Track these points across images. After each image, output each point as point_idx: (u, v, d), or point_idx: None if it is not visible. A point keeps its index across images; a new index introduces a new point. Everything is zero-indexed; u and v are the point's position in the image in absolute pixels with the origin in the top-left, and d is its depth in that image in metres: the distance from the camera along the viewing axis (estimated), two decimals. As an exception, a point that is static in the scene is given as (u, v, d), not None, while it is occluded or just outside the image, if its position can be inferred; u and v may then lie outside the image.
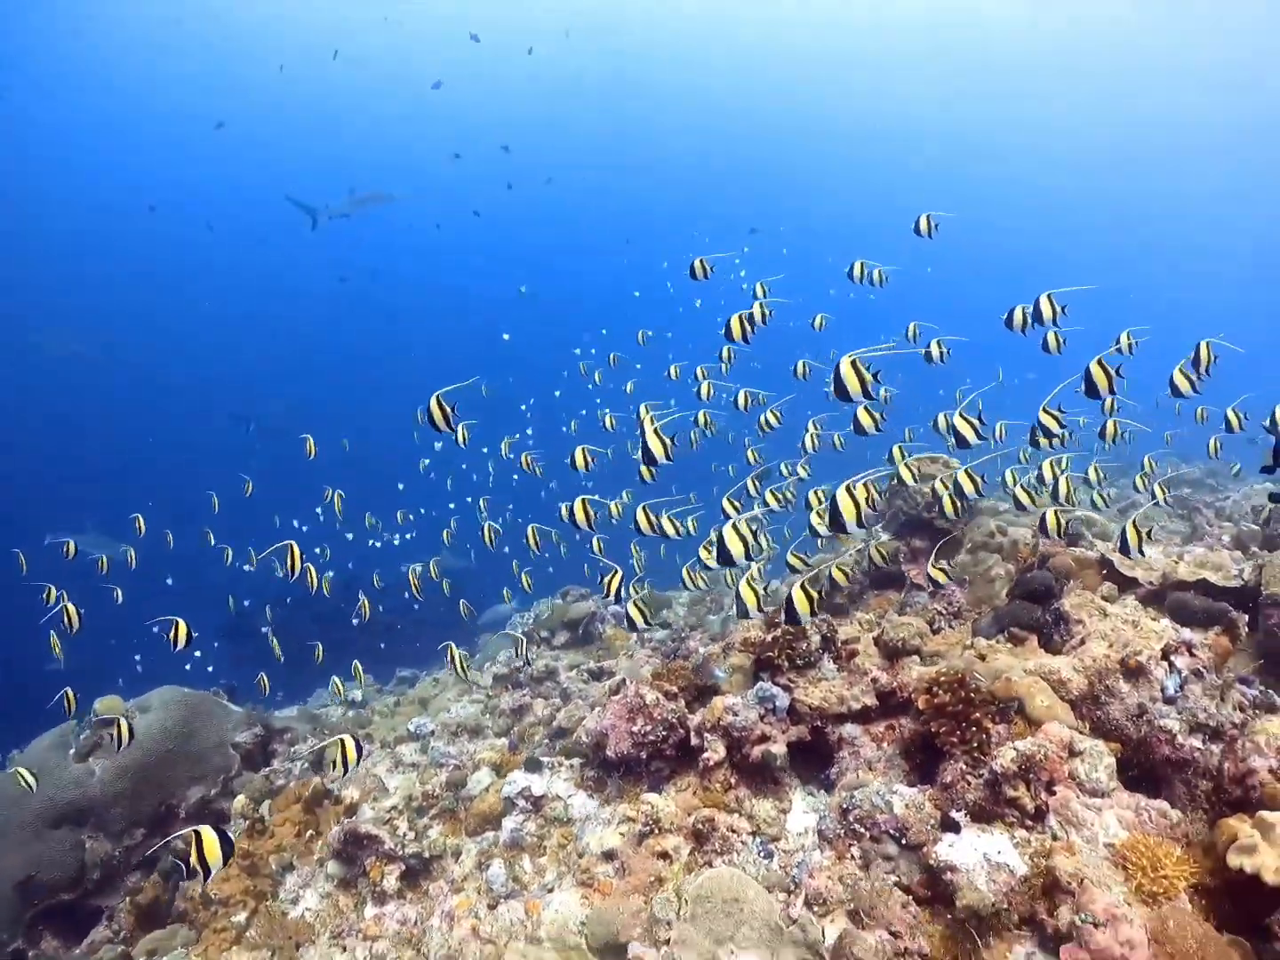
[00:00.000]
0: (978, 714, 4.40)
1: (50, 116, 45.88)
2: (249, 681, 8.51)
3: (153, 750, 6.83)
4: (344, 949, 4.89)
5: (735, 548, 4.32)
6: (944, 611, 6.31)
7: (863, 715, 5.03)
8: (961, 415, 5.15)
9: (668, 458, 4.69)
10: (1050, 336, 5.72)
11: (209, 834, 3.44)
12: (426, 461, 13.13)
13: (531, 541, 6.61)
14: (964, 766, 4.28)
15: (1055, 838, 3.86)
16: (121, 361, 49.32)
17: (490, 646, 9.94)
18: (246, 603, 15.72)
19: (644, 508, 5.16)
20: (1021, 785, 4.01)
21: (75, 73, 43.54)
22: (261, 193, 44.88)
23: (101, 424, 50.97)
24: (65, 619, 4.92)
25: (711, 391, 7.07)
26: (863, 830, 4.27)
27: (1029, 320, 5.63)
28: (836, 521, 4.50)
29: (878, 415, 4.80)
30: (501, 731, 7.00)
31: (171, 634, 5.01)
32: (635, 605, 5.08)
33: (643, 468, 5.89)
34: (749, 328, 6.03)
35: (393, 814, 5.47)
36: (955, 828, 4.04)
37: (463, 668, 5.95)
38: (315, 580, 7.23)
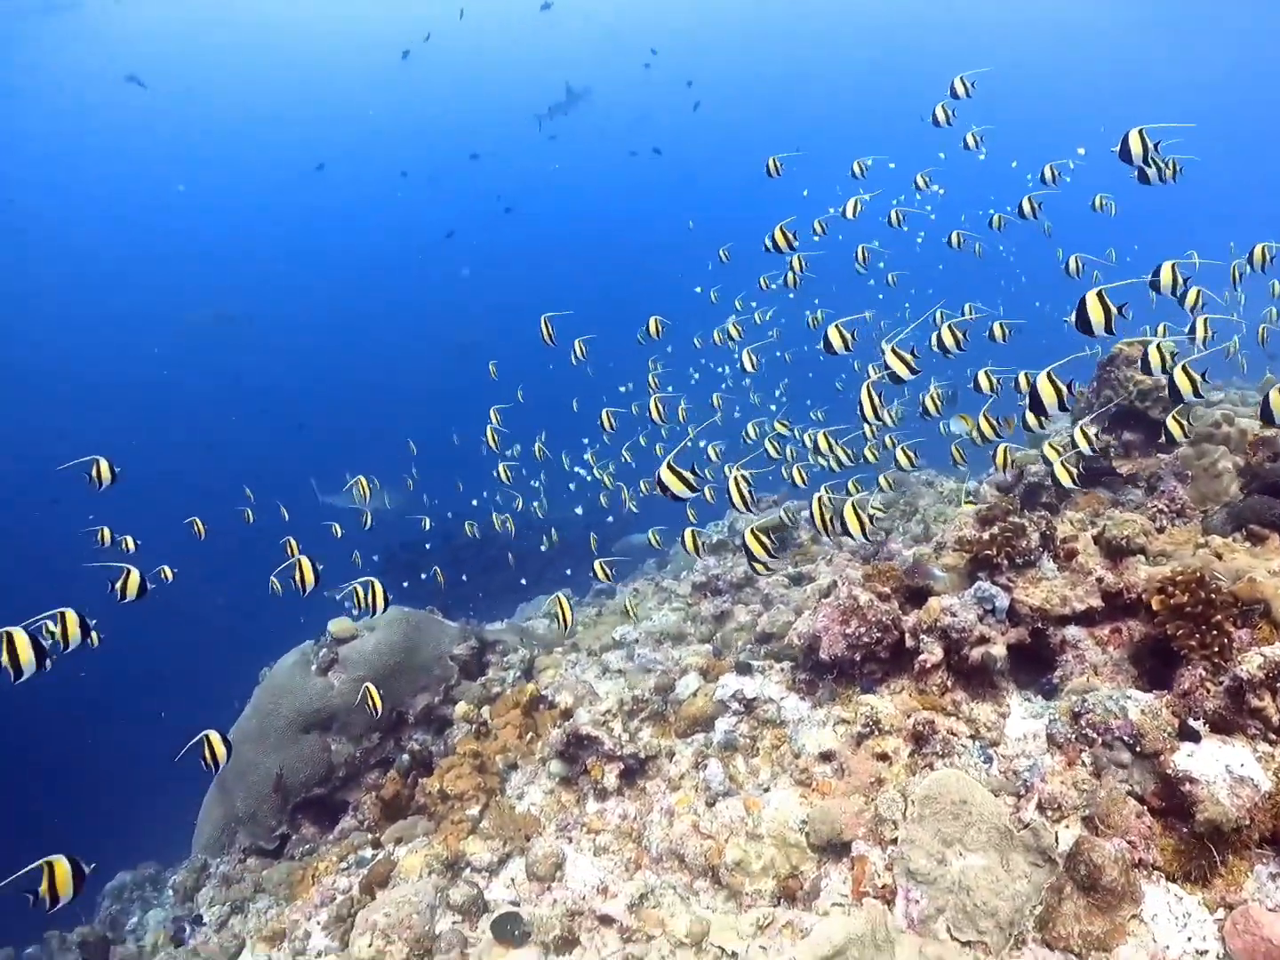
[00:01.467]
0: (1219, 616, 4.12)
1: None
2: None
3: (383, 663, 7.40)
4: (570, 840, 5.18)
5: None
6: (1166, 509, 5.90)
7: (1086, 617, 4.81)
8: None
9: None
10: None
11: (61, 864, 3.46)
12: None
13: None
14: (1203, 673, 4.03)
15: (1304, 752, 3.60)
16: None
17: (680, 558, 10.11)
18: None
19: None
20: (1267, 695, 3.74)
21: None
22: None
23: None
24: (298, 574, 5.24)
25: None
26: (1095, 736, 4.11)
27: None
28: (1036, 405, 4.28)
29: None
30: (704, 638, 7.14)
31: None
32: (753, 535, 4.68)
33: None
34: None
35: (607, 717, 5.68)
36: (1194, 737, 3.81)
37: (565, 614, 6.09)
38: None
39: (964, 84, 6.96)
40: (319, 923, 5.57)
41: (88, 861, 3.57)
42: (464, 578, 14.36)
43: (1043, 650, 4.84)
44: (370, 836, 6.28)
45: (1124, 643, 4.70)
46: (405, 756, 6.81)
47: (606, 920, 4.52)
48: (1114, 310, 4.22)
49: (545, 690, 6.50)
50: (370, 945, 4.86)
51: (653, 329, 7.61)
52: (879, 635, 4.95)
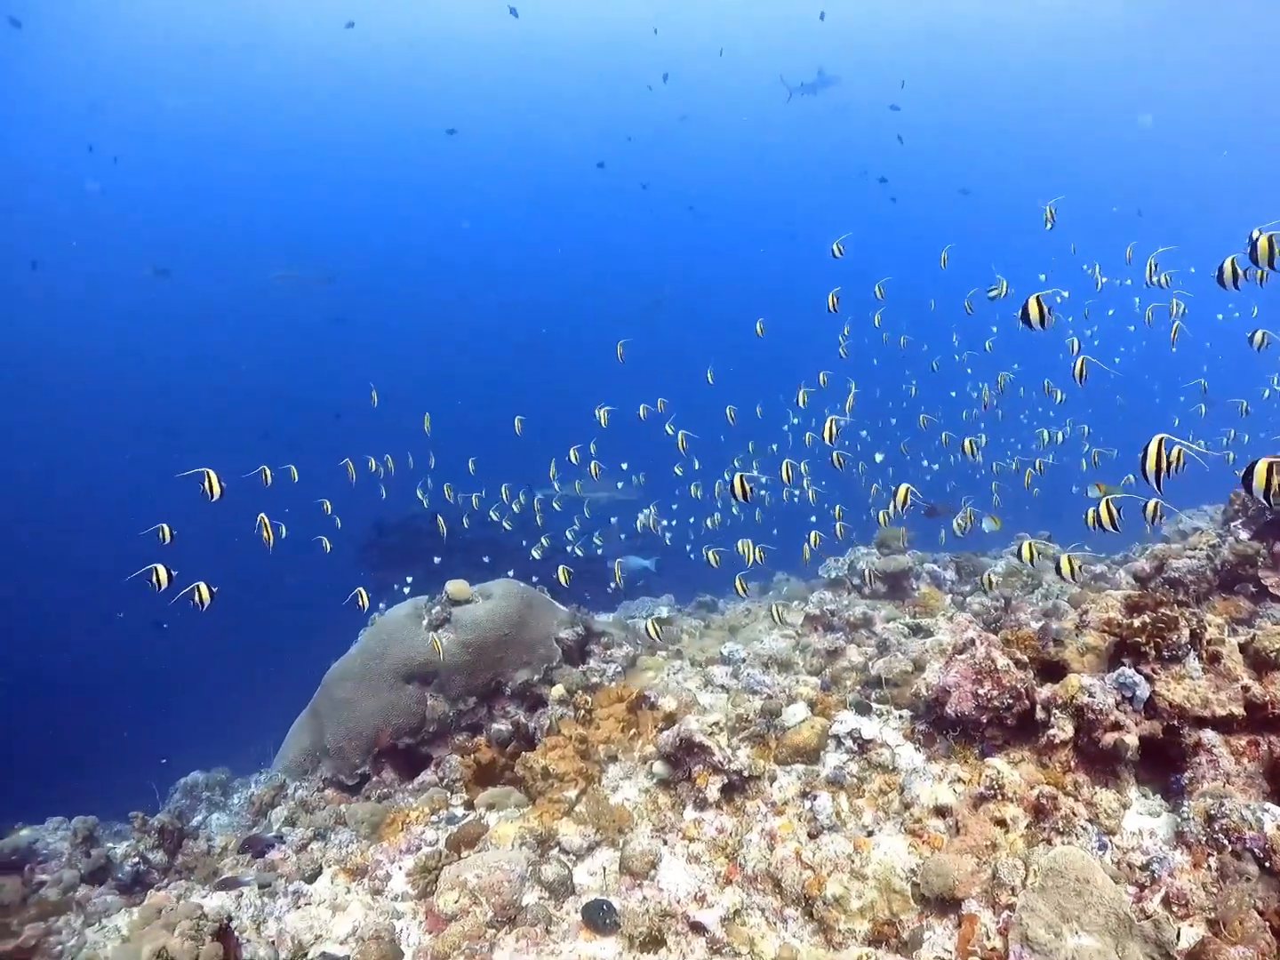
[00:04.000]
0: (1373, 749, 4.04)
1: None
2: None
3: (492, 632, 7.59)
4: (665, 843, 5.27)
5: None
6: (1315, 630, 5.75)
7: (1224, 724, 4.73)
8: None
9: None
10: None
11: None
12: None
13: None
14: (1348, 804, 3.96)
15: None
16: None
17: (782, 585, 10.17)
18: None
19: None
20: None
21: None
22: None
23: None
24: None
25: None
26: (1226, 842, 4.06)
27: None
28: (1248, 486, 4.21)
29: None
30: (813, 670, 7.18)
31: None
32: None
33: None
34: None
35: (714, 729, 5.75)
36: (1331, 864, 3.76)
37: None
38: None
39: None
40: (401, 868, 5.76)
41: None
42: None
43: (1172, 749, 4.77)
44: (463, 796, 6.46)
45: (1260, 757, 4.62)
46: (506, 727, 6.99)
47: (698, 928, 4.58)
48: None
49: (648, 691, 6.61)
50: (456, 901, 5.01)
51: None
52: (1010, 701, 4.94)
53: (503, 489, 11.57)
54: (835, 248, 7.97)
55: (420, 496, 12.22)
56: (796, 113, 41.44)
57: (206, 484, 5.83)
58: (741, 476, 6.29)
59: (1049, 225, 7.84)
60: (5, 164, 44.67)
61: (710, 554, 7.02)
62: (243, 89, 48.04)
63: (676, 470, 11.33)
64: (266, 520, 6.71)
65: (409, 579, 11.03)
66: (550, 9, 42.70)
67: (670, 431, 8.46)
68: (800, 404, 9.13)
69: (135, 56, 43.19)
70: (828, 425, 7.03)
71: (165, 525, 5.99)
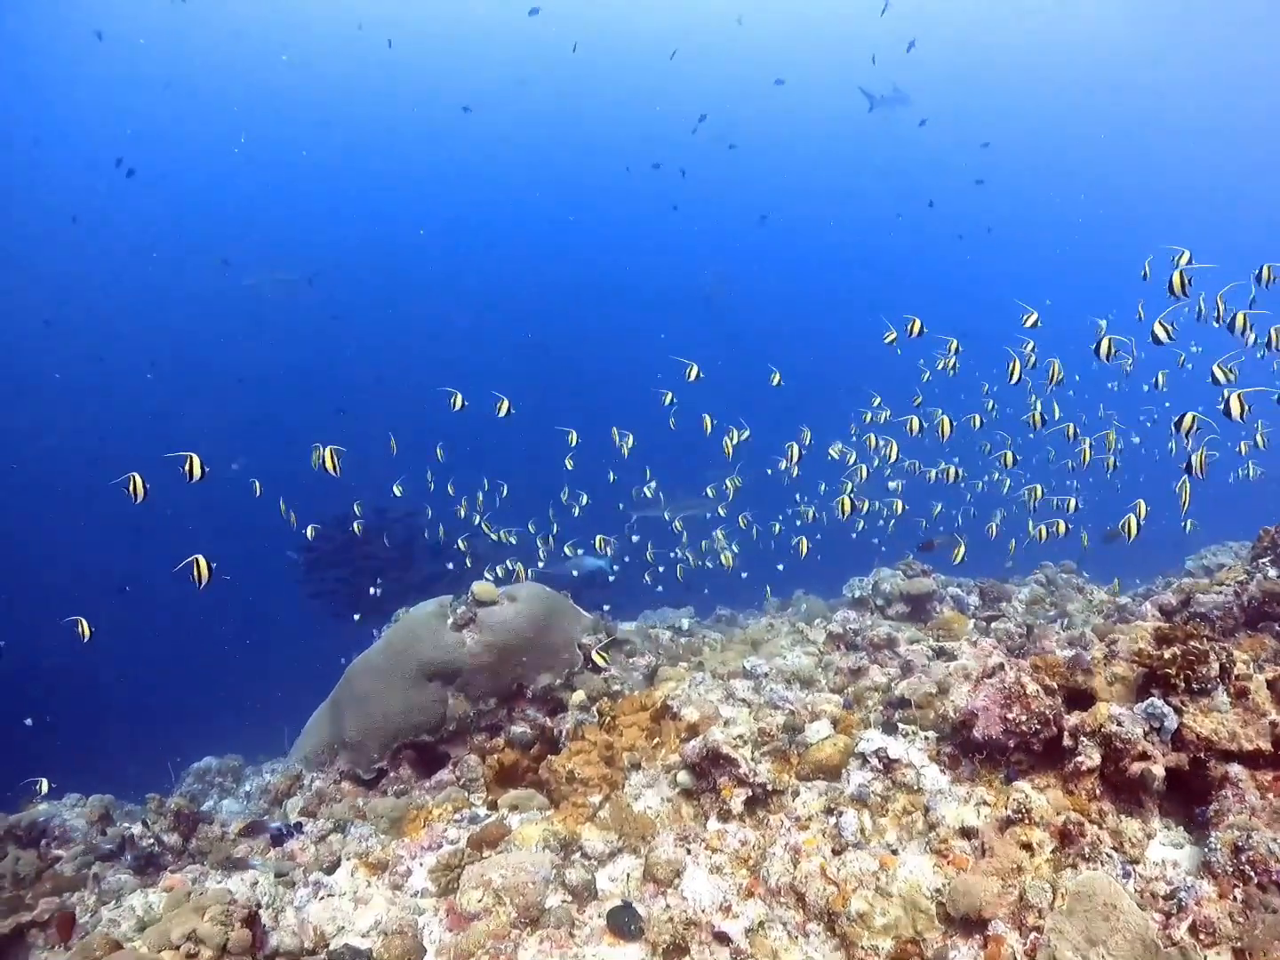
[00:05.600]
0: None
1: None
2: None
3: (517, 635, 7.65)
4: (688, 852, 5.31)
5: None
6: (1341, 670, 5.80)
7: (1251, 759, 4.77)
8: None
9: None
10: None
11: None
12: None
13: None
14: (1376, 845, 4.00)
15: None
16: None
17: (803, 602, 10.23)
18: None
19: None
20: None
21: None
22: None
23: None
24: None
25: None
26: (1251, 874, 4.11)
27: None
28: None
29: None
30: (835, 689, 7.21)
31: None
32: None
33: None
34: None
35: (738, 742, 5.80)
36: (1355, 900, 3.81)
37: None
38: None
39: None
40: (422, 864, 5.81)
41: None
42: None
43: (1197, 782, 4.81)
44: (484, 796, 6.52)
45: (1286, 793, 4.66)
46: (528, 729, 7.04)
47: (722, 938, 4.63)
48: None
49: (671, 701, 6.66)
50: (480, 900, 5.07)
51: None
52: (1038, 727, 4.98)
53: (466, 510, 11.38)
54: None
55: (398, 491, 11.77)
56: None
57: (187, 466, 5.75)
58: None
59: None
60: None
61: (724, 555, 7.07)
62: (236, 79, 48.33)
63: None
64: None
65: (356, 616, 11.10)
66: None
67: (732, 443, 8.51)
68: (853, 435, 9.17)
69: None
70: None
71: (137, 475, 5.73)
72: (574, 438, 9.43)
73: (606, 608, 9.60)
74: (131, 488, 5.71)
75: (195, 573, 5.26)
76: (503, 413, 8.21)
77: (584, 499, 11.37)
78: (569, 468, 10.59)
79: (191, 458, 5.75)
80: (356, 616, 11.86)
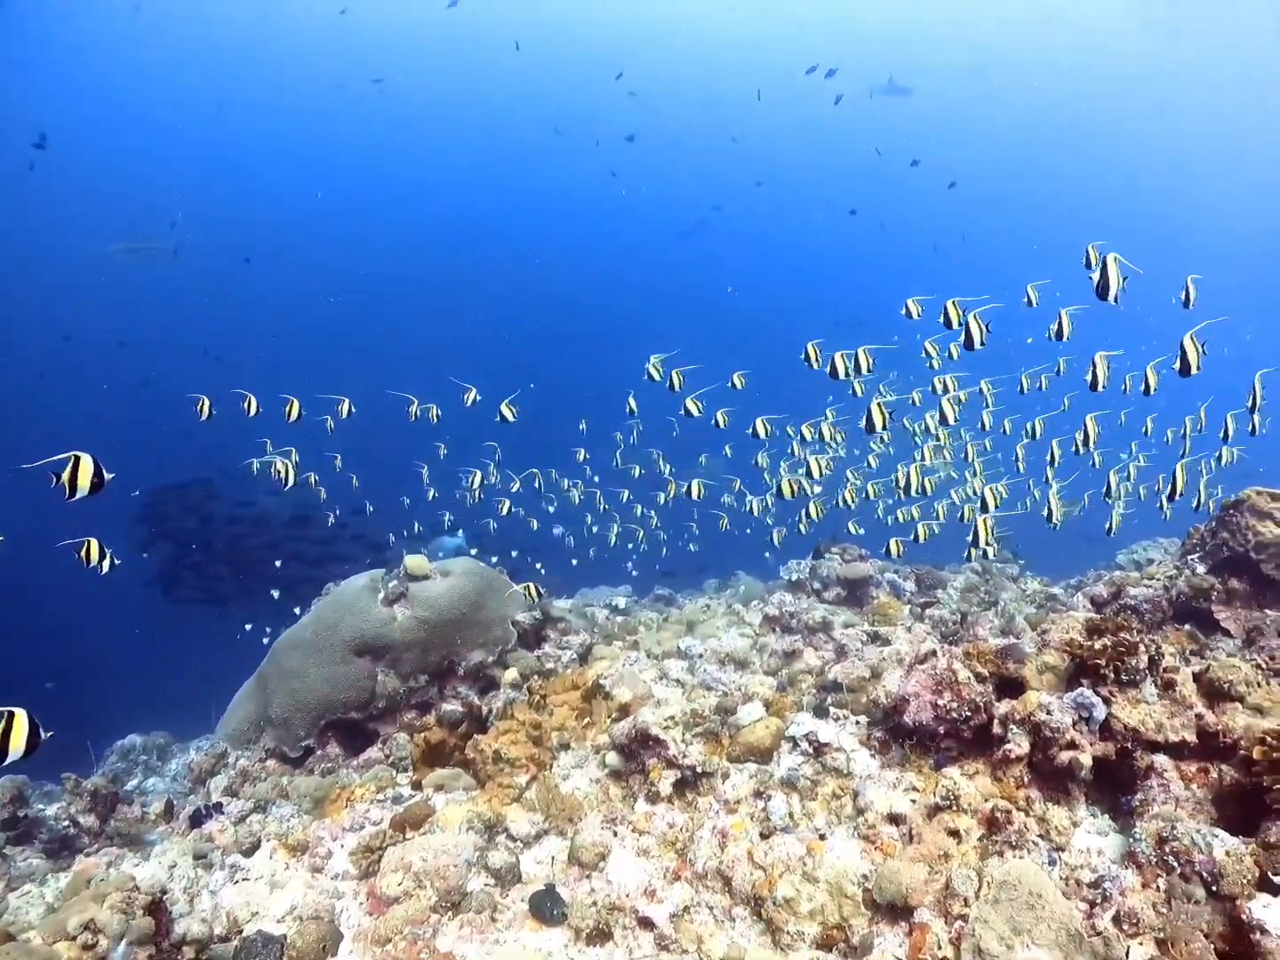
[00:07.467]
0: (1319, 779, 4.13)
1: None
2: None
3: (449, 611, 7.47)
4: (615, 835, 5.21)
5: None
6: (1264, 666, 5.87)
7: (1176, 749, 4.80)
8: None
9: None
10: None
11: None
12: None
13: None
14: (1294, 832, 4.03)
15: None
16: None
17: (741, 584, 10.17)
18: None
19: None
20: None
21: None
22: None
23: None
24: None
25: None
26: (1175, 864, 4.12)
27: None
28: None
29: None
30: (769, 671, 7.17)
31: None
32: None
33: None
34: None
35: (669, 723, 5.71)
36: (1275, 890, 3.83)
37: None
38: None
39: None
40: (344, 846, 5.64)
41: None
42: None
43: (1124, 771, 4.83)
44: (411, 775, 6.36)
45: (1209, 783, 4.70)
46: (458, 708, 6.87)
47: (646, 923, 4.54)
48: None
49: (603, 680, 6.55)
50: (400, 884, 4.93)
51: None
52: (969, 714, 4.96)
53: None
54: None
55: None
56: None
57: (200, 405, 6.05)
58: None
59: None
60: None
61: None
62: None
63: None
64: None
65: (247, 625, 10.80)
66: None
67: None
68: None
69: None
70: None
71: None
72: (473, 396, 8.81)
73: (540, 566, 9.44)
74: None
75: (85, 553, 4.86)
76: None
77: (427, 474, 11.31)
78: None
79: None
80: (248, 625, 11.18)
